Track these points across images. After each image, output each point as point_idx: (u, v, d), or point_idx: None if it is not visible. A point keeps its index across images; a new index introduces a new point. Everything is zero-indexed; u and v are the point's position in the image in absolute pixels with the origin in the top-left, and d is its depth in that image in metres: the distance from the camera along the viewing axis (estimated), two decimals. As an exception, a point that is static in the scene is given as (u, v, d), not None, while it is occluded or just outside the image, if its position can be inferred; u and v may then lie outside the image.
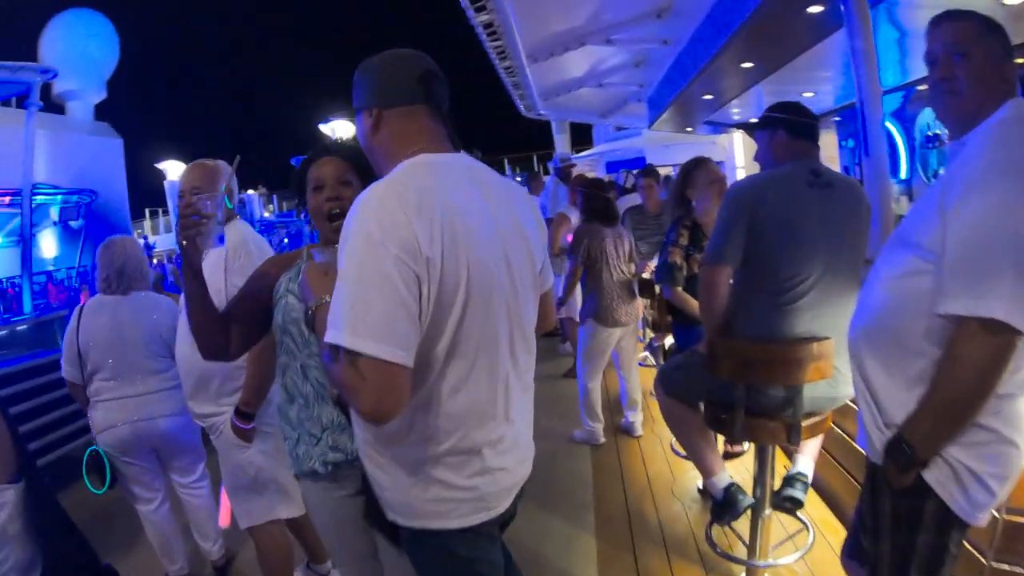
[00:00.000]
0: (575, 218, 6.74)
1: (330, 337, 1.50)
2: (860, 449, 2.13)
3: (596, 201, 5.73)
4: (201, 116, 76.85)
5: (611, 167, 23.28)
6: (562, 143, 31.33)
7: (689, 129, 16.64)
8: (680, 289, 4.37)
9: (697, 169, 4.46)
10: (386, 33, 71.77)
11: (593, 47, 9.89)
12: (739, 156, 18.59)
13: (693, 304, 4.23)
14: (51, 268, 28.06)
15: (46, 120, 30.01)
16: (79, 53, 33.26)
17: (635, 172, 11.78)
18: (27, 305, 11.71)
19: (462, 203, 1.67)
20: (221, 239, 2.14)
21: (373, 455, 1.79)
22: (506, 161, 35.69)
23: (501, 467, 1.79)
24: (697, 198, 4.43)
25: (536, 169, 34.48)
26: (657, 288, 5.02)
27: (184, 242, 2.09)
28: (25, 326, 10.83)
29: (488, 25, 8.78)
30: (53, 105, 33.06)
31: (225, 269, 3.02)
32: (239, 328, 2.34)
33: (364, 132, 1.83)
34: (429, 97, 1.81)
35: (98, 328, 3.78)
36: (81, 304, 3.94)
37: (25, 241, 11.89)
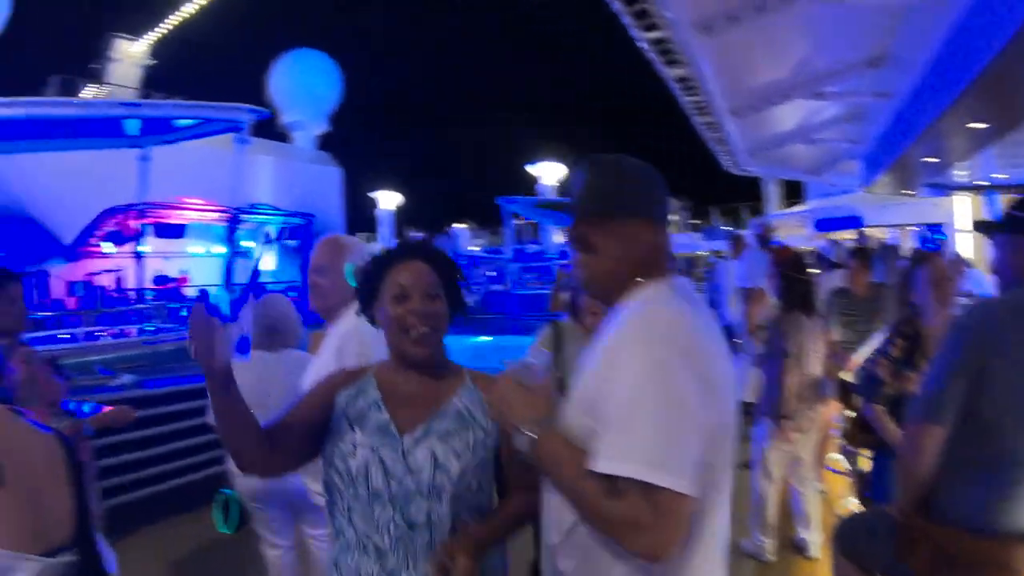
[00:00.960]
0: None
1: (614, 468, 1.42)
2: None
3: (797, 287, 4.99)
4: (414, 150, 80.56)
5: (822, 225, 21.63)
6: (773, 196, 30.07)
7: (908, 192, 15.10)
8: (882, 409, 3.63)
9: (921, 267, 3.77)
10: (582, 83, 72.35)
11: (801, 101, 9.05)
12: (961, 221, 16.61)
13: (894, 432, 3.48)
14: (268, 280, 30.23)
15: (272, 148, 32.49)
16: (304, 89, 35.94)
17: (846, 243, 10.71)
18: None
19: (713, 333, 1.65)
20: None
21: None
22: (714, 213, 34.60)
23: None
24: (921, 301, 3.72)
25: (739, 227, 33.24)
26: (857, 398, 4.24)
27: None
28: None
29: (683, 80, 8.18)
30: (280, 134, 35.71)
31: (339, 354, 2.77)
32: (291, 442, 1.98)
33: (631, 243, 1.69)
34: (662, 211, 1.78)
35: (244, 384, 3.60)
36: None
37: (228, 264, 12.40)
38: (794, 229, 26.73)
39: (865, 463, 4.50)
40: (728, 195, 37.72)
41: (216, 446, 6.20)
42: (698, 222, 36.08)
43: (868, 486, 4.27)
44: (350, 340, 2.82)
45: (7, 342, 3.49)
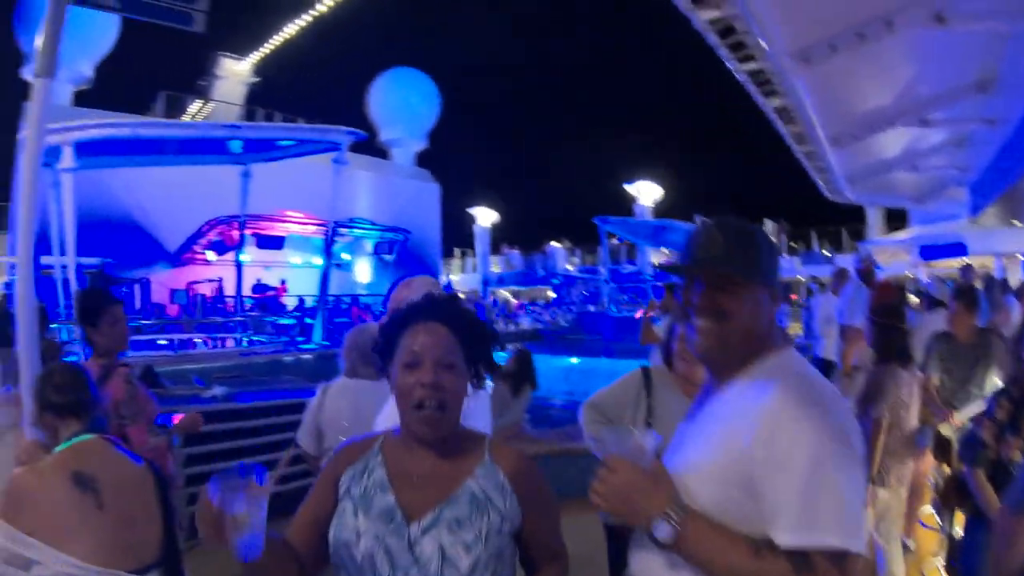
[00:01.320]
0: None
1: (810, 540, 1.39)
2: None
3: (894, 337, 4.69)
4: (511, 166, 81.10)
5: (926, 253, 20.75)
6: (875, 220, 29.07)
7: (1017, 223, 14.35)
8: (982, 473, 3.38)
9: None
10: (680, 102, 71.64)
11: (905, 128, 8.68)
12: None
13: (992, 502, 3.22)
14: (362, 292, 30.92)
15: (372, 163, 33.22)
16: (403, 106, 36.70)
17: (950, 282, 10.14)
18: (317, 335, 12.48)
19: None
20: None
21: None
22: (814, 235, 33.53)
23: None
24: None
25: (840, 251, 32.12)
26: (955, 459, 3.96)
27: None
28: (310, 356, 11.64)
29: (781, 109, 7.94)
30: (379, 151, 36.51)
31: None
32: (319, 548, 1.79)
33: (760, 312, 1.67)
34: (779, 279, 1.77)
35: (338, 411, 3.76)
36: (327, 384, 3.94)
37: (324, 278, 12.67)
38: (897, 255, 25.78)
39: (959, 524, 4.18)
40: (829, 217, 36.46)
41: (300, 461, 6.42)
42: (795, 245, 34.95)
43: (959, 555, 4.00)
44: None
45: (107, 361, 3.59)
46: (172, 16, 5.41)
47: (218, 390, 7.00)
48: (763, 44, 6.14)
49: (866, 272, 8.07)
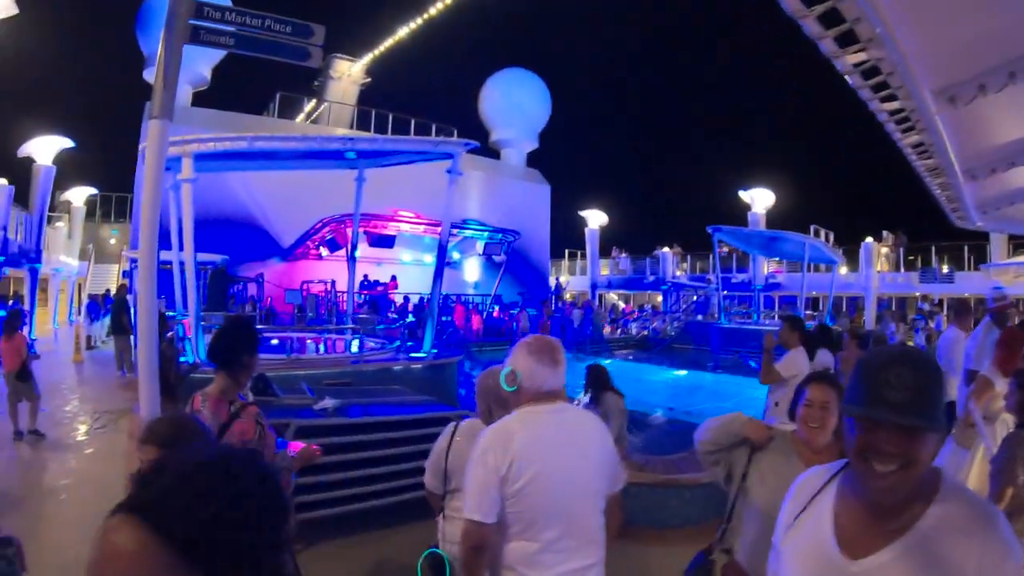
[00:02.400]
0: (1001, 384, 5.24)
1: None
2: None
3: None
4: (624, 169, 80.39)
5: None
6: (998, 239, 27.52)
7: None
8: None
9: None
10: (795, 109, 69.60)
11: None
12: None
13: None
14: (470, 292, 31.23)
15: (483, 164, 33.42)
16: (514, 107, 36.75)
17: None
18: (427, 343, 12.46)
19: None
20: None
21: None
22: (933, 251, 31.91)
23: None
24: None
25: (959, 268, 30.46)
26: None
27: None
28: (419, 366, 11.65)
29: (918, 145, 7.47)
30: (490, 151, 36.66)
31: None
32: None
33: (915, 456, 1.58)
34: None
35: (465, 454, 3.56)
36: (456, 424, 3.86)
37: (435, 287, 12.64)
38: (1021, 276, 24.40)
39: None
40: (949, 232, 34.58)
41: (400, 476, 6.59)
42: (911, 257, 33.22)
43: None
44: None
45: (232, 398, 3.58)
46: (289, 52, 5.42)
47: (329, 402, 7.04)
48: (908, 85, 5.75)
49: (1000, 314, 7.40)
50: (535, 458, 2.74)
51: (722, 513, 3.24)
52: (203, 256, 19.01)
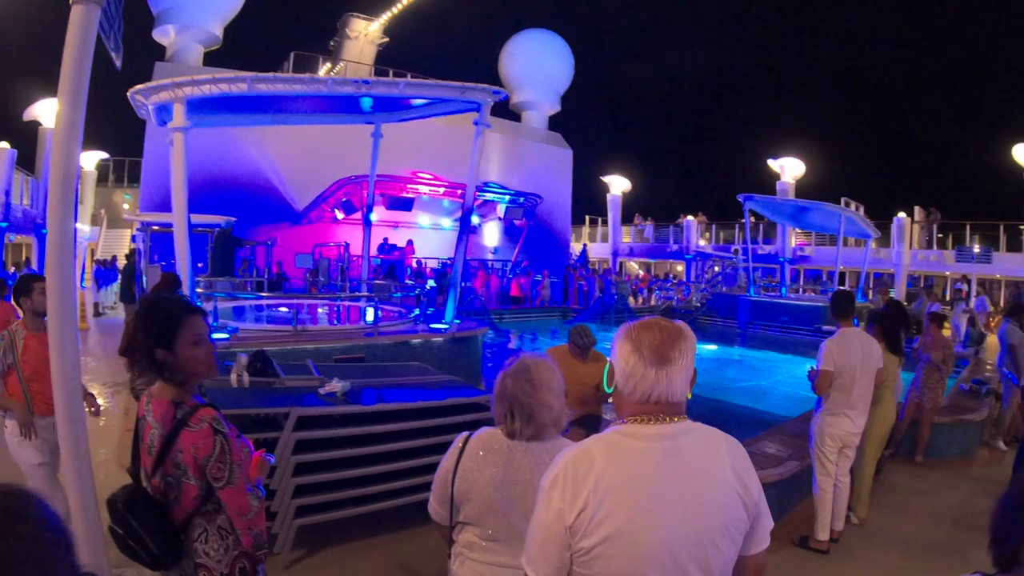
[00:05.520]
0: None
1: None
2: None
3: None
4: (647, 136, 78.75)
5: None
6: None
7: None
8: None
9: None
10: (827, 79, 67.96)
11: None
12: None
13: None
14: (490, 257, 30.47)
15: (503, 126, 32.35)
16: (535, 68, 35.50)
17: None
18: (449, 314, 11.50)
19: None
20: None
21: None
22: (968, 229, 30.71)
23: None
24: None
25: (996, 248, 29.26)
26: None
27: None
28: (440, 339, 10.71)
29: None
30: (511, 113, 35.56)
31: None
32: None
33: None
34: None
35: (477, 478, 2.72)
36: (467, 436, 2.83)
37: (459, 254, 11.67)
38: None
39: None
40: (985, 210, 33.12)
41: (418, 473, 5.72)
42: (941, 236, 31.83)
43: None
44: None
45: (182, 398, 2.67)
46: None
47: (337, 385, 6.09)
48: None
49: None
50: (621, 506, 1.81)
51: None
52: (208, 218, 18.21)
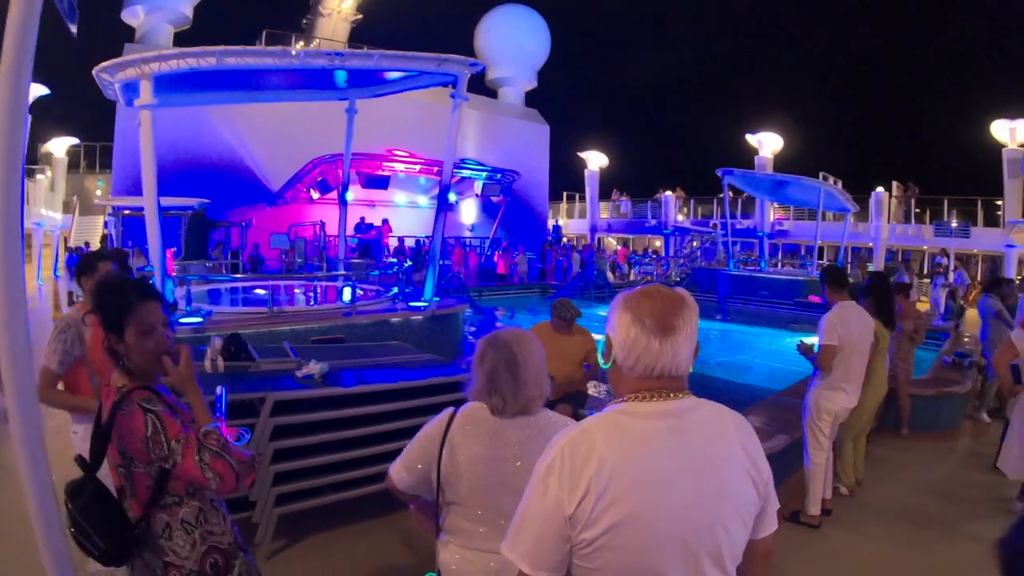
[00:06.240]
0: None
1: None
2: None
3: None
4: (625, 111, 78.35)
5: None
6: (1013, 191, 26.59)
7: None
8: None
9: None
10: (806, 52, 68.02)
11: None
12: None
13: None
14: (467, 235, 30.38)
15: (480, 102, 32.09)
16: (512, 44, 35.27)
17: None
18: (428, 291, 11.35)
19: None
20: None
21: None
22: (945, 204, 30.88)
23: None
24: None
25: (974, 224, 29.42)
26: None
27: None
28: (420, 316, 10.58)
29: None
30: (487, 90, 35.30)
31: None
32: None
33: None
34: None
35: (464, 456, 2.62)
36: (453, 411, 2.71)
37: (437, 229, 11.51)
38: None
39: None
40: (962, 185, 33.09)
41: (391, 457, 5.36)
42: (919, 211, 31.89)
43: None
44: None
45: (119, 392, 2.50)
46: None
47: (314, 367, 5.89)
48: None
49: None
50: (625, 493, 1.66)
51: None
52: (180, 200, 17.92)
